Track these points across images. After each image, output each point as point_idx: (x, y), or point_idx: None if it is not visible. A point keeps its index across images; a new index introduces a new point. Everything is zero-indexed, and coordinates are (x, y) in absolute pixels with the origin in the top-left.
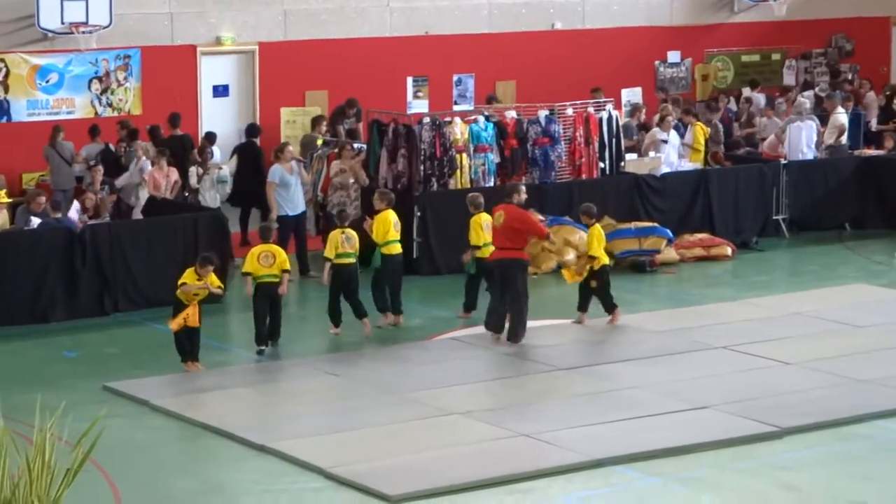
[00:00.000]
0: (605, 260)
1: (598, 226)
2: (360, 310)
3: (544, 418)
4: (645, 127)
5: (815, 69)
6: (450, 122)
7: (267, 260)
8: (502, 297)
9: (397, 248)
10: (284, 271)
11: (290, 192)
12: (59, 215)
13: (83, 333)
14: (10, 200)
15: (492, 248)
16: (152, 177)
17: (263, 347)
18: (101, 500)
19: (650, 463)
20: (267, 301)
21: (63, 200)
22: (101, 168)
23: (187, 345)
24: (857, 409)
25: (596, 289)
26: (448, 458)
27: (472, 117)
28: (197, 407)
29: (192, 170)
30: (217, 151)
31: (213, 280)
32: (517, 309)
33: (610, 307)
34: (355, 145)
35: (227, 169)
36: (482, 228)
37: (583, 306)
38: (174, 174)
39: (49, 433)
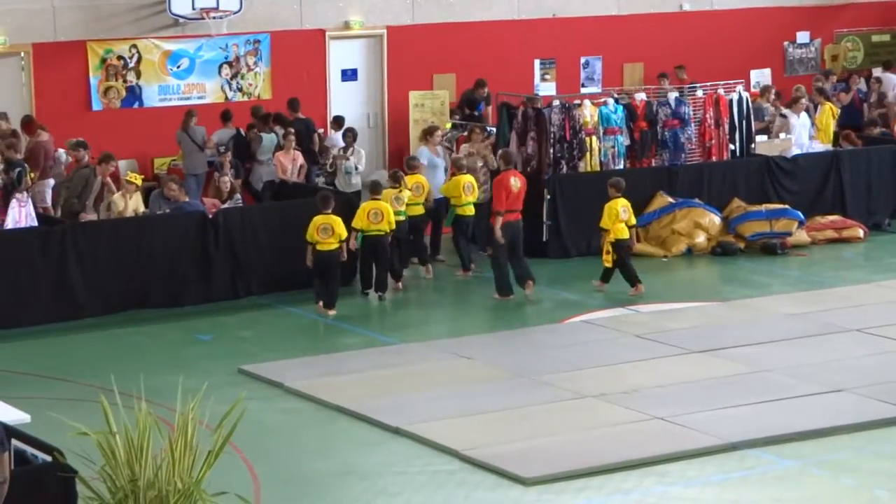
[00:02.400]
0: (620, 234)
1: (615, 200)
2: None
3: (678, 401)
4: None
5: None
6: (579, 105)
7: (327, 232)
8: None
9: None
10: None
11: (434, 174)
12: (187, 199)
13: (217, 316)
14: (141, 184)
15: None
16: (279, 160)
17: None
18: (240, 482)
19: (786, 446)
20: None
21: (196, 185)
22: (230, 154)
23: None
24: None
25: (616, 262)
26: (582, 440)
27: (602, 100)
28: (331, 389)
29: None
30: (338, 136)
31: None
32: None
33: (632, 280)
34: (486, 128)
35: (353, 161)
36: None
37: (605, 277)
38: (300, 158)
39: (191, 415)
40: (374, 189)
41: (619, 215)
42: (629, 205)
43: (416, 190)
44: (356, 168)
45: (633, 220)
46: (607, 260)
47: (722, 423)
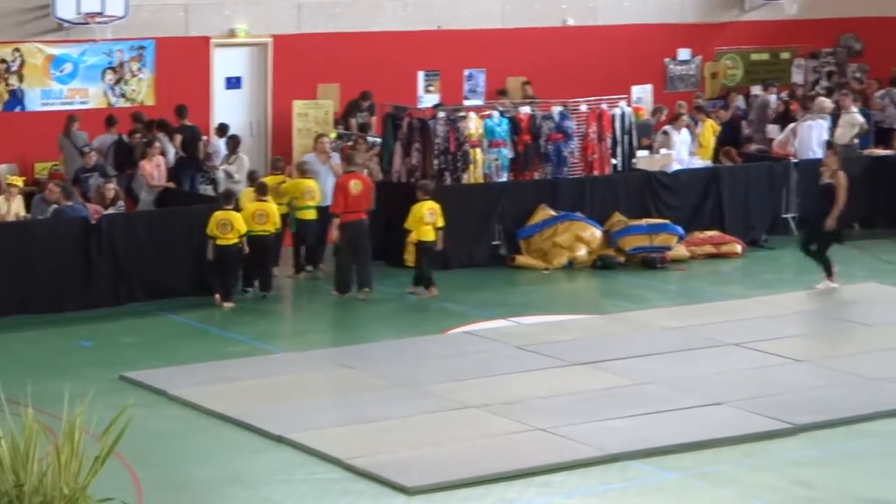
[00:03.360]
0: (424, 236)
1: (422, 203)
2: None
3: (560, 412)
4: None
5: (824, 69)
6: (464, 117)
7: (226, 227)
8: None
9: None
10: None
11: (324, 182)
12: (70, 203)
13: (98, 323)
14: (22, 185)
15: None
16: (144, 169)
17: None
18: (123, 489)
19: (666, 458)
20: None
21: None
22: (93, 154)
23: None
24: (870, 406)
25: (416, 263)
26: (465, 451)
27: (487, 112)
28: (214, 397)
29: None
30: (221, 144)
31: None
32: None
33: (426, 283)
34: (369, 139)
35: (234, 168)
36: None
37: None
38: (163, 164)
39: (78, 421)
40: (260, 190)
41: (424, 217)
42: (437, 208)
43: (308, 195)
44: (234, 175)
45: (441, 223)
46: (408, 259)
47: (603, 434)
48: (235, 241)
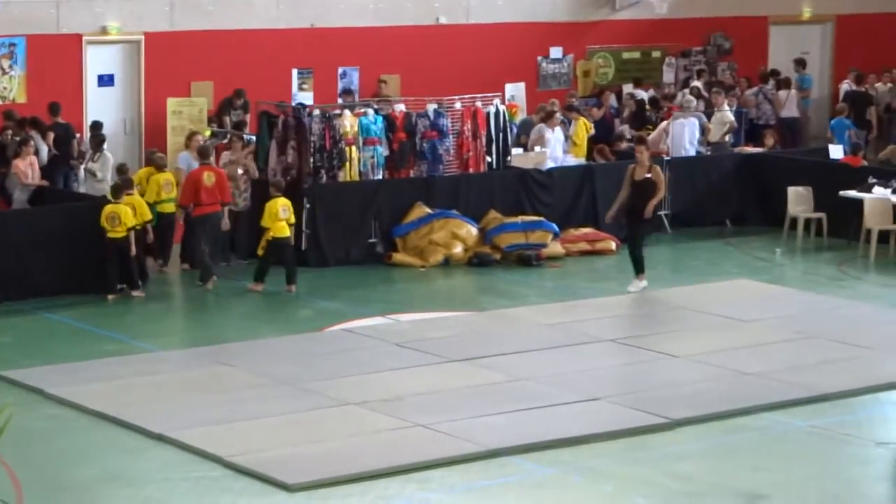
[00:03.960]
0: (279, 232)
1: (275, 200)
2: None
3: (439, 409)
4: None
5: (695, 67)
6: (339, 115)
7: (114, 221)
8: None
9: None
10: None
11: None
12: None
13: None
14: None
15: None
16: (17, 167)
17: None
18: (2, 489)
19: (545, 453)
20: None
21: None
22: None
23: None
24: (745, 401)
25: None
26: (346, 447)
27: (362, 110)
28: (92, 396)
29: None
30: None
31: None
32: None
33: (261, 276)
34: (244, 136)
35: (97, 166)
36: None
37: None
38: (37, 163)
39: None
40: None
41: (278, 214)
42: (289, 204)
43: (166, 187)
44: (97, 174)
45: (293, 219)
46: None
47: (482, 430)
48: (124, 234)
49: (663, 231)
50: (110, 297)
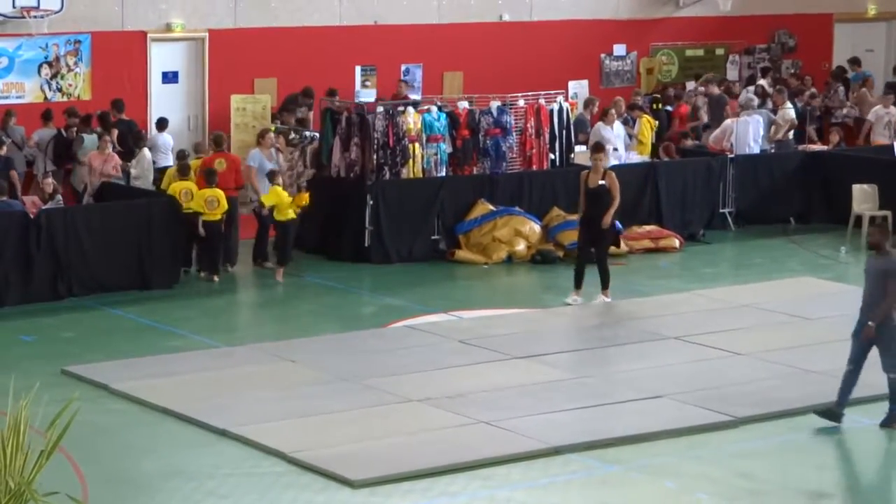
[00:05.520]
0: (286, 216)
1: (275, 189)
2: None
3: (502, 406)
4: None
5: (758, 65)
6: (403, 112)
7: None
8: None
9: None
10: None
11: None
12: (4, 198)
13: (39, 318)
14: None
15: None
16: (90, 161)
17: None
18: (67, 483)
19: (608, 451)
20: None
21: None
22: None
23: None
24: (809, 399)
25: (276, 240)
26: (409, 444)
27: (426, 107)
28: (157, 391)
29: (146, 155)
30: (169, 138)
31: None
32: None
33: (280, 260)
34: (307, 133)
35: (132, 164)
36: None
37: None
38: (114, 159)
39: (23, 415)
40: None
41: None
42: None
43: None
44: (133, 171)
45: (305, 203)
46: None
47: (545, 427)
48: (220, 216)
49: (727, 228)
50: (216, 277)
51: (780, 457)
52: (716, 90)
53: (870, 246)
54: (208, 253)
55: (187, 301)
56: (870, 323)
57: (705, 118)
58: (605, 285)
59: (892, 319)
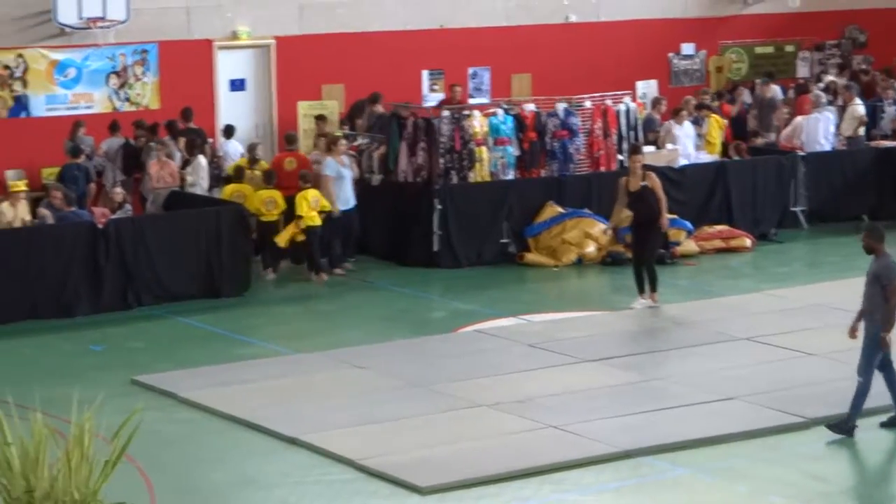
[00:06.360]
0: (313, 221)
1: (306, 191)
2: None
3: (572, 410)
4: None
5: (829, 61)
6: (469, 116)
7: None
8: None
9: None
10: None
11: (342, 185)
12: (73, 208)
13: (108, 327)
14: (27, 188)
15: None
16: (149, 171)
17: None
18: (135, 492)
19: (679, 454)
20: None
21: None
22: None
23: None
24: (881, 399)
25: (304, 246)
26: (478, 449)
27: (492, 110)
28: (225, 400)
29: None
30: (238, 145)
31: None
32: None
33: (316, 268)
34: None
35: (188, 171)
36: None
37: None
38: (171, 166)
39: (87, 425)
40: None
41: (311, 204)
42: (319, 194)
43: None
44: (189, 178)
45: (326, 208)
46: (281, 241)
47: (615, 431)
48: (277, 217)
49: (799, 227)
50: (325, 276)
51: (854, 459)
52: (768, 93)
53: (864, 250)
54: (311, 254)
55: (257, 309)
56: (883, 334)
57: (753, 122)
58: (653, 287)
59: (876, 323)
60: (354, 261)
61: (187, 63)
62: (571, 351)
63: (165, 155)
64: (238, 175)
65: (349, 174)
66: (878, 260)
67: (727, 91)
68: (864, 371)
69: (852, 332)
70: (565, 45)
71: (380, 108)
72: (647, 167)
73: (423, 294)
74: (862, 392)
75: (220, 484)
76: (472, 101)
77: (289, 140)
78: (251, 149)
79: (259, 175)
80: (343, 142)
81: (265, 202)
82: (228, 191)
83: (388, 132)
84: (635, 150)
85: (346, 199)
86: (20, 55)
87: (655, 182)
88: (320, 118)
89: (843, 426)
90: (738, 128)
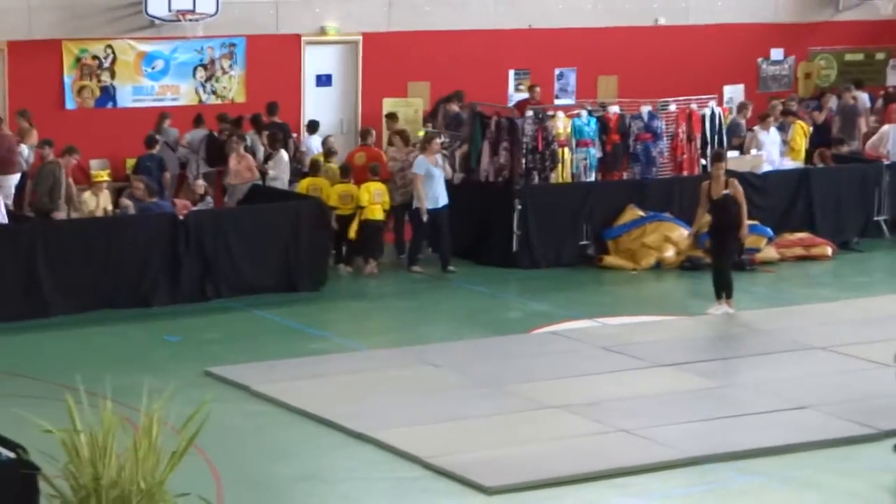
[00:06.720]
0: (374, 214)
1: (370, 183)
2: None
3: (643, 414)
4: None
5: None
6: (552, 116)
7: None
8: None
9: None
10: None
11: (432, 184)
12: (155, 199)
13: (185, 318)
14: (108, 179)
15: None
16: (228, 165)
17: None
18: (203, 484)
19: (750, 462)
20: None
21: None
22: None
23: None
24: None
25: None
26: (546, 451)
27: (575, 112)
28: (296, 393)
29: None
30: (318, 140)
31: None
32: None
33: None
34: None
35: (270, 165)
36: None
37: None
38: (248, 160)
39: (156, 416)
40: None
41: (372, 197)
42: (384, 188)
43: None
44: (270, 172)
45: (388, 204)
46: (352, 230)
47: (686, 436)
48: (353, 211)
49: (881, 236)
50: (349, 268)
51: None
52: (850, 100)
53: None
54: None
55: (334, 303)
56: None
57: (836, 129)
58: (728, 294)
59: None
60: (454, 271)
61: (274, 58)
62: (645, 355)
63: (244, 149)
64: (314, 169)
65: (440, 173)
66: None
67: (815, 98)
68: None
69: None
70: (653, 47)
71: (455, 107)
72: (729, 173)
73: (501, 294)
74: None
75: (286, 477)
76: (557, 101)
77: (363, 135)
78: (325, 142)
79: (335, 168)
80: (437, 140)
81: (341, 196)
82: (304, 184)
83: (465, 131)
84: (718, 157)
85: (435, 197)
86: (109, 46)
87: (738, 190)
88: (390, 116)
89: None
90: (823, 135)
